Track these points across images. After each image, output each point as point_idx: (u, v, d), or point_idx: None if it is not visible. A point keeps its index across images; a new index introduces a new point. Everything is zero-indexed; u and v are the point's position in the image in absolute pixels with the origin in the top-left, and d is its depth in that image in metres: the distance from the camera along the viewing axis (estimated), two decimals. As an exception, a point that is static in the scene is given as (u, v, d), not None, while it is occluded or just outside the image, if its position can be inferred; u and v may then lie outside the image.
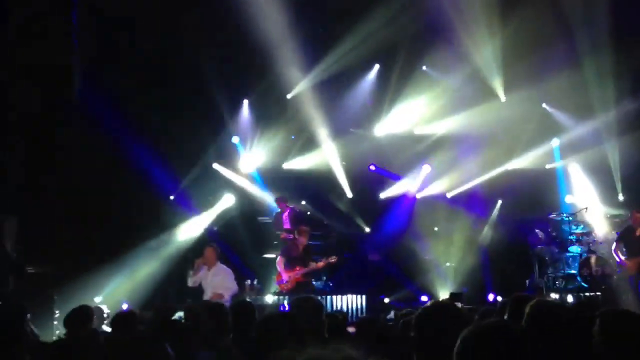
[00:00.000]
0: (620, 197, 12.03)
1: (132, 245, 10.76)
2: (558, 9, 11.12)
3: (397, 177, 13.18)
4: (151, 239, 11.17)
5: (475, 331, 2.41)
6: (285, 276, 9.51)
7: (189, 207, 11.90)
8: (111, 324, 5.40)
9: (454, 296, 10.48)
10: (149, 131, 11.28)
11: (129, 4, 10.69)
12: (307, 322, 4.30)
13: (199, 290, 8.88)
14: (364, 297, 10.79)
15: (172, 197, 12.01)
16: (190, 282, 8.81)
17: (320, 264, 9.45)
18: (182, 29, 11.08)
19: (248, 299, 9.61)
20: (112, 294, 10.15)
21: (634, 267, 9.41)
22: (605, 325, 3.58)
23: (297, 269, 9.42)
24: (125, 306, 9.48)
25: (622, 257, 9.64)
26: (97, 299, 9.65)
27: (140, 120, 11.18)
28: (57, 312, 8.57)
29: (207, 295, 8.59)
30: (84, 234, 10.48)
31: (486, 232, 12.83)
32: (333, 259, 9.59)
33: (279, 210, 11.70)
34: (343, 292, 10.67)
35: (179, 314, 5.39)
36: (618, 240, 9.85)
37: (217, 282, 8.63)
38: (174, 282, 10.62)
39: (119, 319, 5.26)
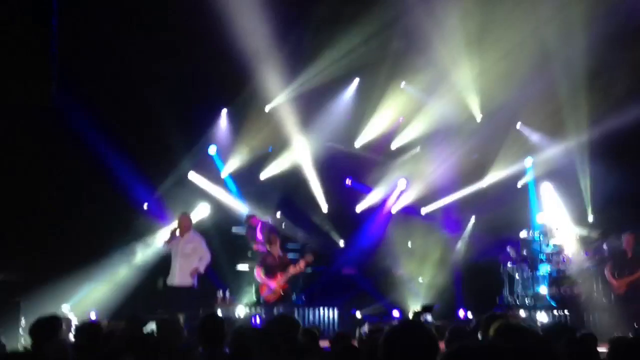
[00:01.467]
0: (590, 218, 12.26)
1: (102, 253, 10.61)
2: (535, 32, 11.33)
3: (373, 192, 13.24)
4: (122, 247, 11.03)
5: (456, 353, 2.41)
6: (270, 285, 9.34)
7: (162, 216, 11.78)
8: (75, 334, 5.29)
9: (425, 308, 10.50)
10: (124, 139, 11.17)
11: (108, 12, 10.61)
12: (283, 339, 4.28)
13: (168, 300, 8.83)
14: (336, 310, 10.81)
15: (145, 206, 11.88)
16: (165, 247, 9.01)
17: (300, 265, 9.37)
18: (160, 37, 11.02)
19: (219, 312, 9.57)
20: (80, 303, 9.98)
21: (623, 286, 9.56)
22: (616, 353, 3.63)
23: (279, 275, 9.33)
24: (92, 315, 9.35)
25: (613, 279, 9.77)
26: (65, 307, 9.47)
27: (115, 127, 11.08)
28: (23, 320, 8.39)
29: (176, 263, 8.80)
30: (54, 241, 10.31)
31: (459, 249, 12.97)
32: (309, 258, 9.52)
33: (249, 226, 11.66)
34: (316, 305, 10.67)
35: (151, 327, 5.32)
36: (610, 262, 9.97)
37: (189, 249, 8.86)
38: (144, 292, 10.49)
39: (83, 330, 5.17)
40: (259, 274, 9.45)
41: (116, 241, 10.94)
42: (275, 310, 8.98)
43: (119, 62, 11.12)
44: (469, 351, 2.44)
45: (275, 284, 9.25)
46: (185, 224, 9.04)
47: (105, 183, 10.91)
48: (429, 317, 10.37)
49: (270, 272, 9.34)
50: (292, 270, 9.26)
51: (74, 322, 8.42)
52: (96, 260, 10.47)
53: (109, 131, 11.03)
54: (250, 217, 11.65)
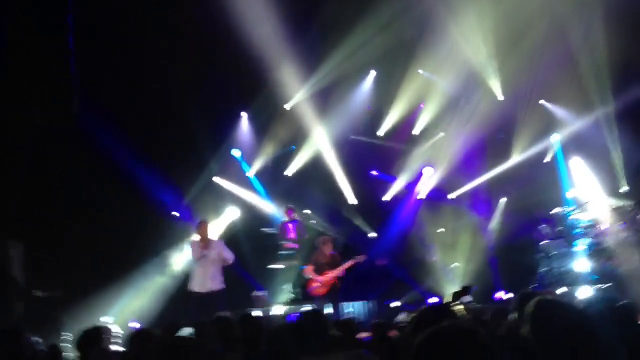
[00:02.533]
0: (623, 189, 12.02)
1: (138, 263, 10.77)
2: (551, 5, 11.15)
3: (399, 181, 13.18)
4: (157, 256, 11.19)
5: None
6: (318, 280, 9.66)
7: (193, 222, 11.91)
8: (126, 343, 5.39)
9: (464, 289, 10.46)
10: (149, 149, 11.31)
11: (125, 24, 10.75)
12: (314, 335, 4.29)
13: (209, 305, 8.93)
14: (372, 302, 10.81)
15: (176, 213, 12.02)
16: (197, 258, 9.02)
17: (349, 263, 9.63)
18: (178, 44, 11.13)
19: (256, 311, 9.67)
20: (120, 313, 10.15)
21: None
22: None
23: (327, 272, 9.61)
24: (134, 324, 9.49)
25: None
26: (106, 319, 9.65)
27: (140, 138, 11.22)
28: (65, 334, 8.57)
29: (207, 270, 8.90)
30: (90, 254, 10.50)
31: (491, 231, 12.83)
32: (360, 258, 9.77)
33: (285, 219, 11.72)
34: (351, 298, 10.68)
35: (188, 330, 5.38)
36: None
37: (215, 255, 9.00)
38: (182, 298, 10.62)
39: (134, 338, 5.26)
40: (309, 270, 9.77)
41: (150, 250, 11.10)
42: (317, 305, 9.11)
43: (139, 72, 11.27)
44: (439, 335, 2.39)
45: (324, 280, 9.58)
46: (207, 232, 9.18)
47: (135, 194, 11.07)
48: (468, 298, 10.32)
49: (319, 270, 9.69)
50: (342, 267, 9.58)
51: (117, 332, 8.59)
52: (132, 271, 10.64)
53: (134, 143, 11.18)
54: (290, 208, 11.71)
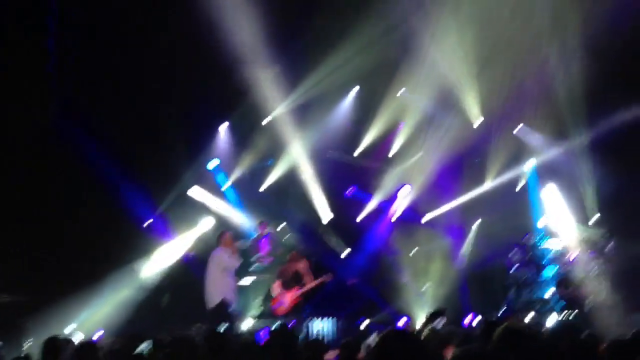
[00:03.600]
0: (594, 218, 12.20)
1: (107, 272, 10.63)
2: (532, 33, 11.35)
3: (375, 200, 13.22)
4: (127, 266, 11.04)
5: None
6: (283, 298, 9.56)
7: (165, 232, 11.81)
8: (74, 355, 5.32)
9: (438, 312, 10.50)
10: (125, 157, 11.22)
11: (106, 30, 10.69)
12: (282, 352, 4.28)
13: (177, 315, 8.84)
14: (342, 320, 10.78)
15: (148, 223, 11.90)
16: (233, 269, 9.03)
17: (316, 282, 9.57)
18: (158, 53, 11.09)
19: (223, 327, 9.58)
20: (87, 323, 9.99)
21: None
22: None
23: (295, 289, 9.52)
24: (100, 334, 9.34)
25: None
26: (71, 327, 9.49)
27: (116, 145, 11.13)
28: (28, 341, 8.41)
29: (234, 280, 9.04)
30: (59, 261, 10.34)
31: (463, 255, 12.92)
32: (327, 277, 9.72)
33: (258, 233, 11.67)
34: (321, 316, 10.64)
35: (147, 344, 5.31)
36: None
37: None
38: (149, 309, 10.50)
39: (82, 350, 5.20)
40: (276, 286, 9.73)
41: (120, 260, 10.96)
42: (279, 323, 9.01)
43: (117, 79, 11.20)
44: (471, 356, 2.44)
45: (289, 298, 9.51)
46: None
47: (107, 202, 10.96)
48: (442, 321, 10.36)
49: (287, 285, 9.69)
50: (309, 285, 9.57)
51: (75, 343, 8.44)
52: (101, 279, 10.49)
53: (109, 149, 11.08)
54: (262, 223, 11.66)
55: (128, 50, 11.04)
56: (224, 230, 9.37)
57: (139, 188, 11.28)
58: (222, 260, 8.78)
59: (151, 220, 11.91)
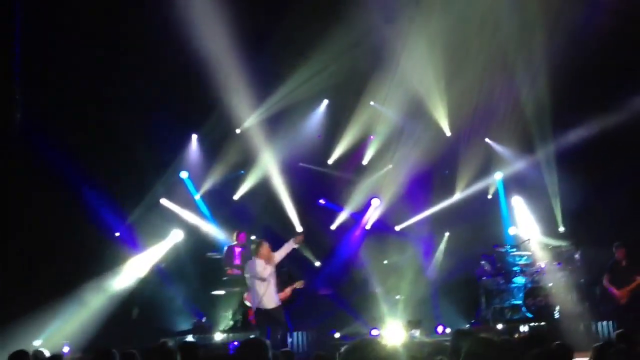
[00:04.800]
0: (561, 229, 12.46)
1: (75, 284, 10.41)
2: (499, 47, 11.58)
3: (346, 211, 13.27)
4: (95, 278, 10.84)
5: None
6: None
7: (135, 244, 11.64)
8: None
9: (413, 323, 10.64)
10: (93, 166, 11.04)
11: (74, 38, 10.56)
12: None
13: (145, 330, 8.67)
14: (314, 331, 10.75)
15: (117, 234, 11.72)
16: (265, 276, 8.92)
17: (288, 290, 9.49)
18: (128, 62, 10.99)
19: (193, 338, 9.47)
20: (53, 337, 9.76)
21: (625, 296, 9.83)
22: None
23: None
24: (66, 349, 9.14)
25: (614, 289, 10.07)
26: (37, 342, 9.26)
27: (84, 154, 10.96)
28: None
29: (272, 285, 8.88)
30: (24, 273, 10.10)
31: (434, 265, 13.04)
32: (299, 284, 9.64)
33: (233, 243, 11.57)
34: (293, 328, 10.59)
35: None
36: (608, 273, 10.23)
37: (273, 269, 9.05)
38: (118, 322, 10.31)
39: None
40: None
41: (88, 272, 10.75)
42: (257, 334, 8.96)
43: (86, 88, 11.05)
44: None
45: None
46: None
47: (75, 213, 10.76)
48: (417, 333, 10.49)
49: None
50: (281, 295, 9.35)
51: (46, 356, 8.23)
52: (68, 293, 10.27)
53: (77, 159, 10.90)
54: (241, 233, 11.56)
55: (96, 61, 10.92)
56: (261, 241, 9.35)
57: (107, 199, 11.10)
58: (257, 271, 8.89)
59: (120, 232, 11.72)
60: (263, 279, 8.79)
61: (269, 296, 8.84)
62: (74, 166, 10.78)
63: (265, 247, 9.05)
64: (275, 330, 8.77)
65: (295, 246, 9.49)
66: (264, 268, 8.85)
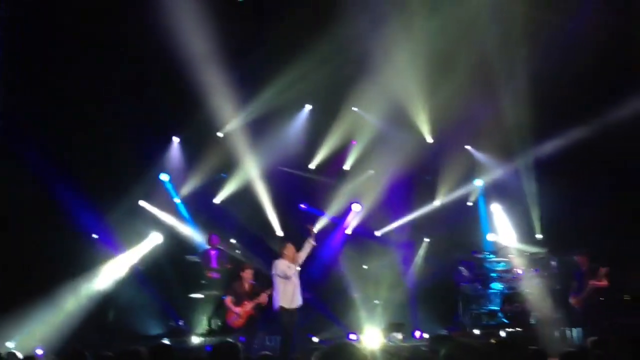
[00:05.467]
0: (538, 236, 12.60)
1: (50, 286, 10.27)
2: (481, 55, 11.69)
3: (327, 215, 13.27)
4: (71, 280, 10.70)
5: None
6: (236, 311, 9.61)
7: (113, 246, 11.52)
8: None
9: (395, 326, 10.71)
10: (72, 167, 10.92)
11: (52, 39, 10.46)
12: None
13: (121, 332, 8.56)
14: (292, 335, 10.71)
15: (95, 236, 11.59)
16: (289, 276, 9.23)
17: (267, 293, 9.56)
18: (110, 64, 10.91)
19: (169, 341, 9.40)
20: (26, 339, 9.60)
21: (579, 303, 9.92)
22: None
23: (246, 303, 9.58)
24: (40, 352, 9.00)
25: (573, 297, 10.17)
26: (10, 344, 9.11)
27: (63, 156, 10.84)
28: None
29: (297, 286, 9.29)
30: (-1, 274, 9.95)
31: (413, 270, 13.10)
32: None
33: (208, 247, 11.53)
34: (272, 331, 10.57)
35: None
36: (572, 281, 10.34)
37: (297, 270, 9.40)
38: (93, 325, 10.19)
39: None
40: (228, 301, 9.71)
41: (64, 273, 10.62)
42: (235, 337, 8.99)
43: (66, 89, 10.94)
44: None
45: (241, 311, 9.55)
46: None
47: (51, 214, 10.62)
48: (399, 336, 10.56)
49: (238, 300, 9.65)
50: (261, 298, 9.54)
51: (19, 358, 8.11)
52: (42, 294, 10.12)
53: (56, 160, 10.78)
54: (214, 235, 11.53)
55: (76, 61, 10.81)
56: (286, 242, 9.46)
57: (85, 200, 10.97)
58: (281, 270, 9.24)
59: (98, 234, 11.60)
60: (288, 278, 9.10)
61: (295, 295, 9.17)
62: (51, 166, 10.65)
63: (289, 248, 9.40)
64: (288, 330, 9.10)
65: (314, 244, 9.79)
66: (288, 267, 9.19)
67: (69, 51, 10.64)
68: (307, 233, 9.69)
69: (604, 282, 9.82)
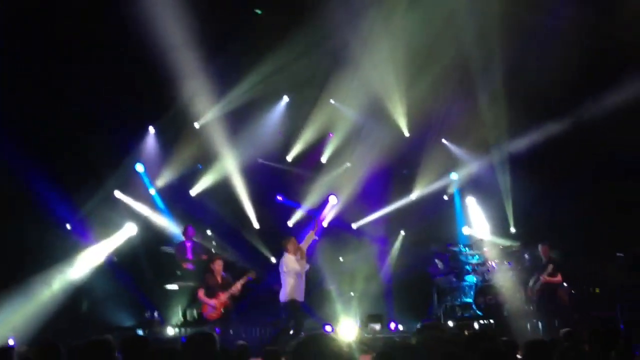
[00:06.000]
0: (512, 229, 12.78)
1: (22, 276, 10.12)
2: (458, 50, 11.77)
3: (303, 208, 13.28)
4: (44, 270, 10.55)
5: None
6: (211, 304, 9.64)
7: (86, 236, 11.38)
8: None
9: (374, 317, 10.85)
10: (45, 157, 10.75)
11: (25, 31, 10.25)
12: (201, 355, 4.20)
13: (94, 323, 8.48)
14: (269, 327, 10.75)
15: (68, 226, 11.44)
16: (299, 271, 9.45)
17: (240, 282, 9.61)
18: (85, 53, 10.74)
19: (143, 332, 9.36)
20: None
21: (534, 294, 10.14)
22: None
23: (220, 295, 9.63)
24: (11, 342, 8.87)
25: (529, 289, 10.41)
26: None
27: (36, 145, 10.66)
28: None
29: (303, 280, 9.59)
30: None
31: (389, 262, 13.19)
32: (251, 274, 9.76)
33: (183, 239, 11.47)
34: (248, 322, 10.58)
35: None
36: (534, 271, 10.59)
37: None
38: (66, 315, 10.08)
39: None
40: (200, 294, 9.77)
41: (36, 263, 10.47)
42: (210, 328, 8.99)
43: (40, 78, 10.73)
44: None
45: (216, 303, 9.61)
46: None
47: (26, 203, 10.45)
48: (377, 327, 10.68)
49: (210, 292, 9.71)
50: (234, 288, 9.66)
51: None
52: (15, 284, 9.98)
53: (29, 149, 10.59)
54: (190, 227, 11.47)
55: (50, 51, 10.62)
56: (288, 237, 9.76)
57: (59, 190, 10.81)
58: (291, 267, 9.45)
59: (71, 224, 11.45)
60: (297, 272, 9.32)
61: (302, 289, 9.43)
62: (24, 156, 10.46)
63: (292, 243, 9.61)
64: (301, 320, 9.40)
65: (315, 238, 10.09)
66: (295, 261, 9.41)
67: (41, 40, 10.43)
68: (312, 226, 9.97)
69: (557, 279, 10.10)
